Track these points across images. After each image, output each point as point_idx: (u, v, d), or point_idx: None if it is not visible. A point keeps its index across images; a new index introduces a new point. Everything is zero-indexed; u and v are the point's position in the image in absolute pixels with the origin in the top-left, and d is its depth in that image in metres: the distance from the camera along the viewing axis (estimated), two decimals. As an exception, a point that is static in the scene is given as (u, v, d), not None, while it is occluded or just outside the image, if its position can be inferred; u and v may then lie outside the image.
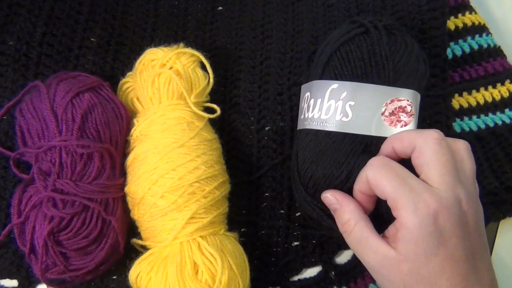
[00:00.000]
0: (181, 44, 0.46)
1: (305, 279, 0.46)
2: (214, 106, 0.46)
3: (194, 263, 0.39)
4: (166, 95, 0.44)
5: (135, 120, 0.44)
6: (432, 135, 0.35)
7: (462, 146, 0.36)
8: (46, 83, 0.42)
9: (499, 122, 0.50)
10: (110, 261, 0.41)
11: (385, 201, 0.35)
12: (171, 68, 0.44)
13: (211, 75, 0.46)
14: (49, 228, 0.38)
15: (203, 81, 0.46)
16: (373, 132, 0.39)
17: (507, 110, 0.50)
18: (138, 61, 0.46)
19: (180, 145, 0.41)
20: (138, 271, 0.40)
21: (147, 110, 0.44)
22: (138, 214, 0.41)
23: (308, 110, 0.42)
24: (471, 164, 0.36)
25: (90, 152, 0.40)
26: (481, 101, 0.50)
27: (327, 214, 0.41)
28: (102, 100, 0.42)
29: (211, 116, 0.45)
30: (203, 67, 0.46)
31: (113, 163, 0.42)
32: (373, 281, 0.45)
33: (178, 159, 0.41)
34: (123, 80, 0.47)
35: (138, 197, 0.41)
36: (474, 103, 0.50)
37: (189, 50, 0.45)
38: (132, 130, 0.44)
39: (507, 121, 0.50)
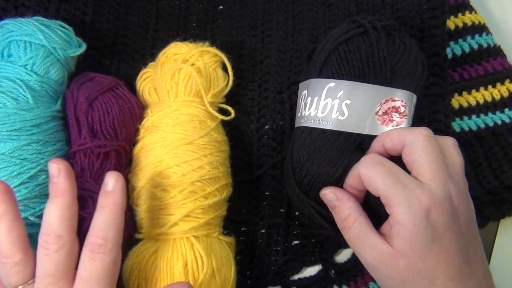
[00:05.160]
0: (207, 43, 0.47)
1: (305, 278, 0.48)
2: (229, 108, 0.47)
3: (185, 262, 0.40)
4: (184, 91, 0.45)
5: (149, 110, 0.46)
6: (421, 132, 0.37)
7: (450, 142, 0.38)
8: (70, 88, 0.44)
9: (499, 122, 0.51)
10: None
11: (377, 198, 0.37)
12: (192, 64, 0.45)
13: (231, 77, 0.47)
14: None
15: (222, 82, 0.47)
16: (366, 131, 0.41)
17: (506, 110, 0.51)
18: (161, 52, 0.47)
19: (189, 142, 0.42)
20: (131, 262, 0.41)
21: (162, 103, 0.45)
22: (137, 203, 0.43)
23: (305, 108, 0.43)
24: (460, 160, 0.38)
25: (106, 152, 0.42)
26: (481, 101, 0.51)
27: (318, 212, 0.42)
28: (119, 99, 0.44)
29: (225, 118, 0.46)
30: (224, 68, 0.47)
31: (129, 159, 0.44)
32: (373, 280, 0.45)
33: (184, 155, 0.42)
34: (144, 69, 0.49)
35: (140, 186, 0.42)
36: (473, 103, 0.51)
37: (213, 50, 0.47)
38: (145, 120, 0.45)
39: (507, 120, 0.51)
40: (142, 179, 0.42)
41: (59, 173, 0.36)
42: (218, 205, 0.44)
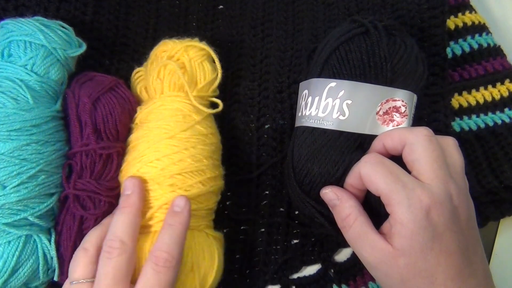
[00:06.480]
0: (196, 38, 0.47)
1: (305, 277, 0.48)
2: (218, 101, 0.47)
3: None
4: (168, 86, 0.45)
5: (138, 108, 0.47)
6: (422, 132, 0.37)
7: (450, 142, 0.38)
8: (71, 88, 0.44)
9: (499, 122, 0.51)
10: None
11: (377, 197, 0.37)
12: (178, 60, 0.46)
13: (219, 70, 0.47)
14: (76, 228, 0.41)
15: (210, 75, 0.47)
16: (367, 130, 0.41)
17: (506, 110, 0.51)
18: (152, 51, 0.48)
19: (170, 136, 0.42)
20: None
21: (150, 100, 0.46)
22: None
23: (305, 108, 0.43)
24: (460, 159, 0.38)
25: (109, 153, 0.42)
26: (481, 101, 0.51)
27: (319, 212, 0.42)
28: (120, 99, 0.44)
29: (212, 111, 0.46)
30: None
31: None
32: (373, 279, 0.46)
33: (165, 149, 0.42)
34: (137, 69, 0.49)
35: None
36: (473, 103, 0.51)
37: (198, 44, 0.47)
38: (134, 118, 0.46)
39: (507, 120, 0.51)
40: (126, 174, 0.43)
41: (133, 188, 0.40)
42: (203, 198, 0.43)
